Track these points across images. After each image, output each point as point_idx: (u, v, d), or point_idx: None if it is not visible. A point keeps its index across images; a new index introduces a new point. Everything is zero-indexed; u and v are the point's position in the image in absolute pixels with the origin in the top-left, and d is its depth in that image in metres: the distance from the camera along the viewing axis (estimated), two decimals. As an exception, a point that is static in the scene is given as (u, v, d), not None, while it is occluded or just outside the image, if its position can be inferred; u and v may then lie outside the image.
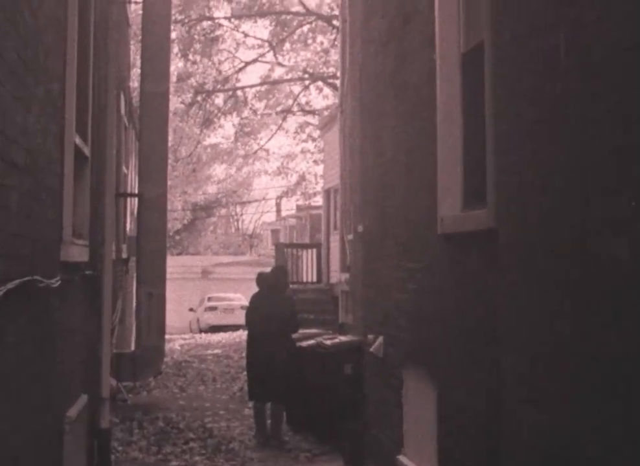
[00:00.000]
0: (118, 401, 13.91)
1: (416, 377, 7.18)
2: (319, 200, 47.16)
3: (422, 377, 6.99)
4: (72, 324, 6.72)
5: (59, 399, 5.89)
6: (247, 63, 35.61)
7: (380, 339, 8.36)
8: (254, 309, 11.48)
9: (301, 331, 12.01)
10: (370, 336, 8.79)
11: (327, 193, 26.19)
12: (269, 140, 38.57)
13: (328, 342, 10.94)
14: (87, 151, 7.08)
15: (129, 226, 17.82)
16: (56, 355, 5.83)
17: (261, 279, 11.74)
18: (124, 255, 15.21)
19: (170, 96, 31.13)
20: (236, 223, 77.80)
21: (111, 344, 12.01)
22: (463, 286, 5.92)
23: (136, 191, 15.31)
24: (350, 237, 20.55)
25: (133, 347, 15.24)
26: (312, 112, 38.12)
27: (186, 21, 30.77)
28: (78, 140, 6.37)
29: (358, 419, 9.73)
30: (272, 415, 11.47)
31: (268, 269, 18.89)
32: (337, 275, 23.04)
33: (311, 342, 11.51)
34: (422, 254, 6.92)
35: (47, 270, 5.26)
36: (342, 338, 11.21)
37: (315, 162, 39.19)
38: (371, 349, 8.51)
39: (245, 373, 18.14)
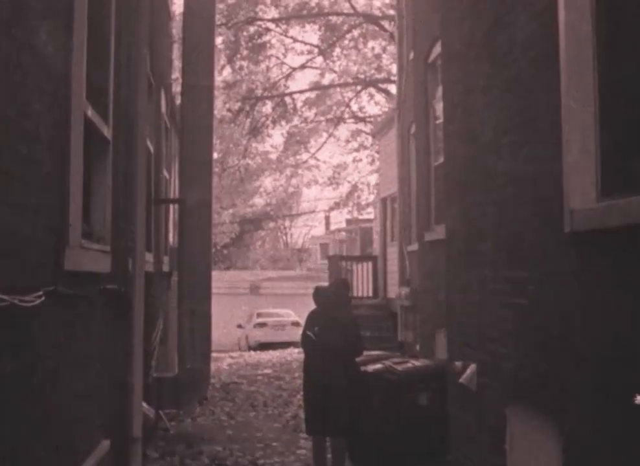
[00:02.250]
0: (159, 431, 12.47)
1: (527, 420, 5.59)
2: (370, 213, 45.68)
3: (536, 422, 5.39)
4: (86, 351, 5.24)
5: (61, 459, 4.39)
6: (296, 68, 34.23)
7: (472, 367, 6.78)
8: (311, 329, 9.94)
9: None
10: (458, 363, 7.21)
11: (383, 202, 24.64)
12: (320, 148, 37.20)
13: (399, 367, 9.38)
14: (106, 131, 5.61)
15: (172, 236, 16.40)
16: (59, 396, 4.34)
17: (319, 294, 10.19)
18: (166, 269, 13.76)
19: (216, 104, 30.00)
20: (284, 237, 76.52)
21: (146, 371, 10.56)
22: (603, 302, 4.33)
23: (177, 197, 13.85)
24: (411, 248, 19.16)
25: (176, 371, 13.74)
26: (364, 120, 36.66)
27: (232, 23, 29.40)
28: (91, 113, 4.88)
29: (436, 462, 8.17)
30: (333, 451, 9.92)
31: (325, 283, 17.42)
32: (395, 289, 21.52)
33: (378, 366, 9.95)
34: (536, 260, 5.32)
35: (43, 281, 3.79)
36: (415, 363, 9.64)
37: (370, 171, 37.62)
38: (461, 380, 6.94)
39: (298, 396, 16.75)
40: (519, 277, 5.60)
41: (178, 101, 15.14)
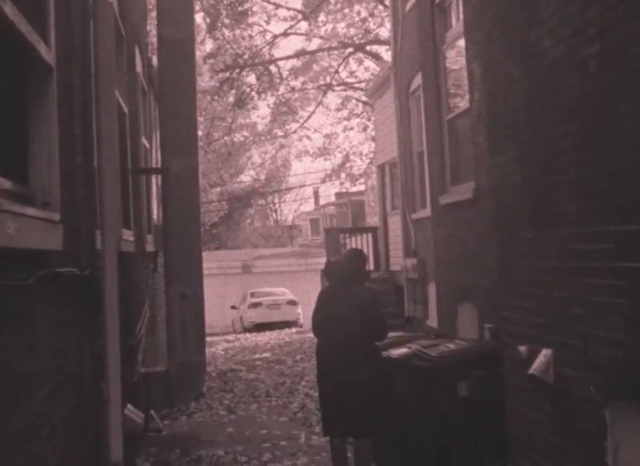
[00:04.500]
0: (151, 433, 10.93)
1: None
2: (362, 184, 44.09)
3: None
4: (27, 364, 3.66)
5: None
6: (280, 35, 32.49)
7: (546, 354, 5.23)
8: (324, 311, 8.35)
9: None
10: (522, 348, 5.67)
11: (380, 169, 23.02)
12: (309, 118, 35.42)
13: (431, 351, 7.80)
14: (45, 53, 4.00)
15: (157, 213, 14.80)
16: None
17: (331, 269, 8.61)
18: (150, 248, 12.18)
19: (198, 75, 28.32)
20: (274, 214, 74.98)
21: (132, 367, 9.02)
22: None
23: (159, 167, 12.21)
24: (416, 215, 17.61)
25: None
26: (354, 87, 34.98)
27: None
28: (11, 13, 3.26)
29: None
30: (355, 455, 8.40)
31: (324, 258, 15.88)
32: (399, 261, 20.02)
33: (403, 350, 8.38)
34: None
35: None
36: (450, 345, 8.04)
37: (362, 140, 35.99)
38: (531, 370, 5.39)
39: (303, 383, 15.21)
40: (629, 232, 4.04)
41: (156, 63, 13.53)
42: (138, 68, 11.84)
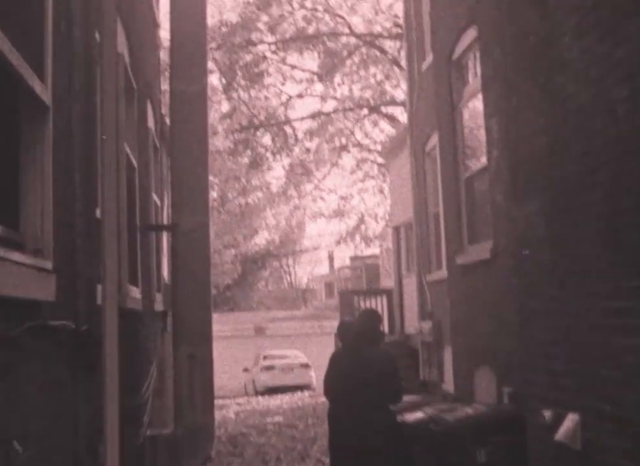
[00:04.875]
0: (156, 499, 10.52)
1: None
2: (376, 248, 43.86)
3: None
4: (7, 421, 3.34)
5: None
6: (295, 96, 32.49)
7: (573, 419, 4.88)
8: (337, 373, 8.00)
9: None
10: (547, 412, 5.31)
11: (396, 231, 22.75)
12: (324, 178, 35.21)
13: (448, 416, 7.44)
14: (43, 94, 3.76)
15: (167, 272, 14.51)
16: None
17: (344, 329, 8.29)
18: (159, 308, 11.88)
19: (213, 138, 28.25)
20: (288, 277, 74.70)
21: (137, 429, 8.67)
22: None
23: (169, 223, 11.94)
24: (431, 277, 17.28)
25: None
26: (369, 149, 34.88)
27: (227, 45, 27.71)
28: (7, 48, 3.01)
29: None
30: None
31: (337, 319, 15.53)
32: (413, 324, 19.64)
33: (419, 414, 8.02)
34: None
35: None
36: (467, 409, 7.68)
37: (377, 202, 35.75)
38: (558, 436, 5.02)
39: (315, 448, 14.72)
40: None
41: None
42: (150, 123, 11.68)
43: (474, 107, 11.76)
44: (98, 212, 5.32)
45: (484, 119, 10.22)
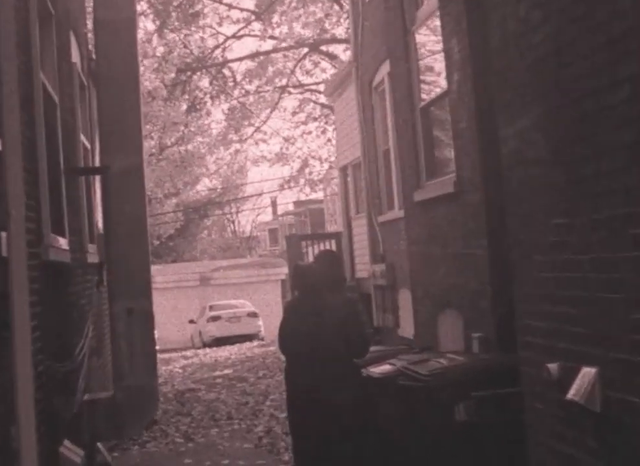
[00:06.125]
0: (97, 467, 9.63)
1: None
2: (320, 190, 42.99)
3: None
4: None
5: None
6: (233, 36, 31.23)
7: (588, 374, 4.02)
8: (294, 324, 7.09)
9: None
10: (552, 366, 4.45)
11: (342, 171, 21.82)
12: (265, 121, 34.06)
13: (421, 369, 6.57)
14: None
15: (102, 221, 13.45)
16: None
17: (301, 274, 7.34)
18: (93, 259, 10.87)
19: (147, 79, 26.97)
20: (231, 225, 73.66)
21: (70, 394, 7.75)
22: None
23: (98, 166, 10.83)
24: (382, 218, 16.45)
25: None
26: (310, 90, 33.84)
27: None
28: None
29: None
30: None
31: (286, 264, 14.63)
32: (365, 268, 18.88)
33: (387, 367, 7.16)
34: None
35: None
36: (442, 361, 6.82)
37: (320, 144, 34.79)
38: (570, 395, 4.18)
39: (268, 403, 13.90)
40: None
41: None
42: (75, 58, 10.60)
43: (429, 31, 10.89)
44: (-1, 142, 4.32)
45: (443, 41, 9.34)
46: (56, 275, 7.50)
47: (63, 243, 7.98)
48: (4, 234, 4.38)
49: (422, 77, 11.08)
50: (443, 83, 9.81)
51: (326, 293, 7.04)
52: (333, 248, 22.00)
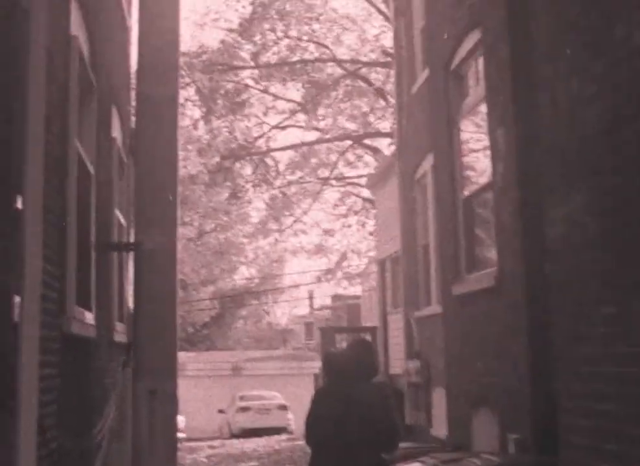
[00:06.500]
0: None
1: None
2: (357, 290, 42.75)
3: None
4: None
5: None
6: (277, 126, 31.46)
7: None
8: (321, 413, 6.74)
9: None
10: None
11: (381, 264, 21.60)
12: (306, 213, 34.06)
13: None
14: None
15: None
16: None
17: (333, 361, 7.02)
18: (120, 339, 10.60)
19: (190, 167, 27.10)
20: (267, 316, 73.32)
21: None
22: None
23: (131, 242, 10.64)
24: (419, 313, 16.13)
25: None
26: (352, 183, 33.85)
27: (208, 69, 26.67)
28: None
29: None
30: None
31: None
32: (399, 364, 18.51)
33: (417, 465, 6.77)
34: None
35: None
36: (476, 461, 6.44)
37: (360, 238, 34.65)
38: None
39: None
40: None
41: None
42: (115, 133, 10.55)
43: (473, 122, 10.75)
44: (19, 201, 4.12)
45: (489, 129, 9.17)
46: (78, 350, 7.24)
47: (88, 317, 7.74)
48: (17, 298, 4.14)
49: (465, 169, 10.91)
50: (487, 175, 9.63)
51: (356, 380, 6.70)
52: (368, 341, 21.75)
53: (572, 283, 4.71)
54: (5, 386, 3.94)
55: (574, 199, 4.57)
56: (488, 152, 9.30)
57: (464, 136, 10.93)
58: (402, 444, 7.85)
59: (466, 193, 10.56)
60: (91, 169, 8.35)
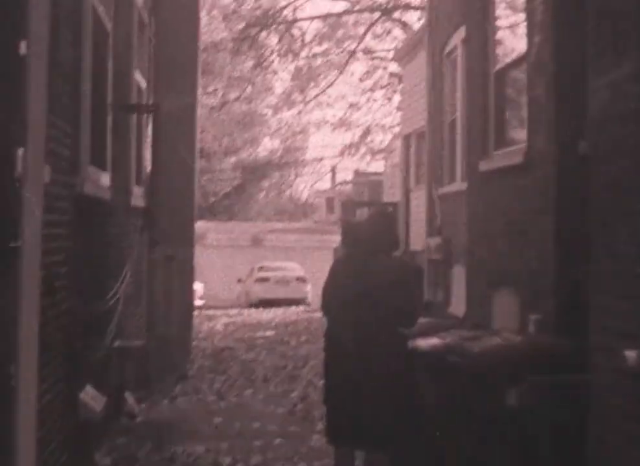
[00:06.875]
0: (124, 417, 9.26)
1: None
2: (379, 166, 42.39)
3: None
4: None
5: None
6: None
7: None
8: (339, 285, 6.56)
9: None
10: (631, 354, 3.88)
11: (406, 139, 21.18)
12: (331, 84, 33.41)
13: (473, 347, 6.04)
14: None
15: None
16: None
17: (352, 232, 6.80)
18: (138, 202, 10.40)
19: (214, 34, 26.47)
20: (289, 190, 73.16)
21: (99, 339, 7.35)
22: None
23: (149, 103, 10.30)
24: (443, 190, 15.85)
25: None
26: (379, 57, 33.14)
27: None
28: None
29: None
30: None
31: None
32: (421, 241, 18.31)
33: (436, 341, 6.62)
34: None
35: None
36: (496, 339, 6.28)
37: (385, 113, 34.13)
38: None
39: (307, 368, 13.46)
40: None
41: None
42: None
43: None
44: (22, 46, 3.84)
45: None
46: (92, 211, 7.06)
47: (104, 178, 7.53)
48: (20, 150, 3.89)
49: (498, 43, 10.45)
50: (521, 48, 9.20)
51: (375, 254, 6.49)
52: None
53: (613, 157, 4.41)
54: (7, 241, 3.75)
55: (625, 65, 4.22)
56: (523, 25, 8.85)
57: (498, 5, 10.43)
58: (420, 320, 7.70)
59: (499, 65, 10.12)
60: (108, 26, 7.99)
